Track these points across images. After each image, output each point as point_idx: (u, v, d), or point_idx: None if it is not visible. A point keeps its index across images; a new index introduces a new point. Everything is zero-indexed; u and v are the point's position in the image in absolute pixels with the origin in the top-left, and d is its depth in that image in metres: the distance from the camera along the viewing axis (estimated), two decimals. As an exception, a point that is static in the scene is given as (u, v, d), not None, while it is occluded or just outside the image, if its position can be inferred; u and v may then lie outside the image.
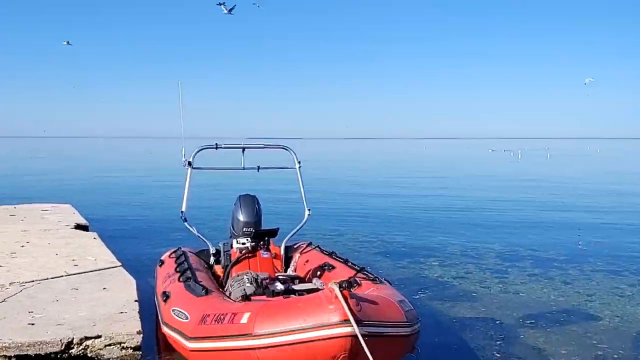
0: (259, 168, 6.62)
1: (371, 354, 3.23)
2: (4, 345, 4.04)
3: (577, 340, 4.98)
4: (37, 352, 4.11)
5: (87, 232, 8.75)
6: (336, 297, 3.36)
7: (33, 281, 5.64)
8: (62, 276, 5.88)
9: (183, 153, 6.07)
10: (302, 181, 6.41)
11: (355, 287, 4.09)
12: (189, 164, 6.05)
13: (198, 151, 6.13)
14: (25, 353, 4.09)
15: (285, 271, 5.83)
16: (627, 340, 4.98)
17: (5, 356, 4.04)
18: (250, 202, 5.73)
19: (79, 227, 9.14)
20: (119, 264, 6.49)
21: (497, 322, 5.47)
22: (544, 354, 4.67)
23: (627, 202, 16.24)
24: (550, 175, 27.57)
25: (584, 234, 10.69)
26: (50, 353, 4.15)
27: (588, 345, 4.86)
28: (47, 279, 5.75)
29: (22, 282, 5.57)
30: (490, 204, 15.25)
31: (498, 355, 4.61)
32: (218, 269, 5.57)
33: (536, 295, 6.47)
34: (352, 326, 3.26)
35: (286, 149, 6.55)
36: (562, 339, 5.00)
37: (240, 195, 5.80)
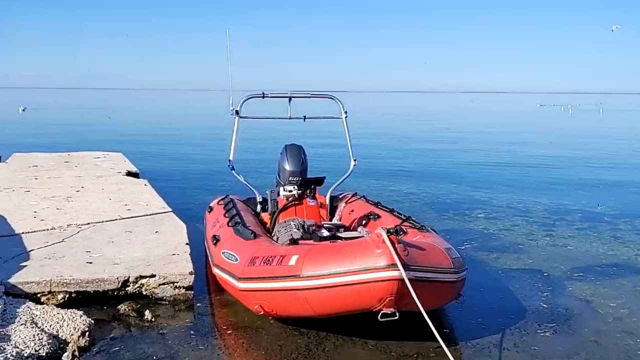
0: (305, 118, 6.60)
1: (417, 298, 3.27)
2: (65, 281, 4.26)
3: (626, 294, 4.89)
4: (95, 289, 4.33)
5: (138, 179, 9.02)
6: (383, 241, 3.39)
7: (89, 223, 5.87)
8: (116, 219, 6.10)
9: (230, 102, 6.11)
10: (348, 131, 6.38)
11: (402, 234, 4.11)
12: (237, 112, 6.09)
13: (245, 100, 6.15)
14: (84, 289, 4.31)
15: (331, 220, 5.88)
16: (679, 295, 4.87)
17: (66, 292, 4.27)
18: (297, 151, 5.76)
19: (130, 174, 9.42)
20: (170, 209, 6.68)
21: (544, 274, 5.41)
22: (591, 305, 4.61)
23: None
24: (603, 132, 26.65)
25: (637, 191, 10.37)
26: (108, 290, 4.36)
27: (638, 299, 4.77)
28: (102, 221, 5.98)
29: (79, 224, 5.81)
30: (539, 160, 14.91)
31: (545, 306, 4.58)
32: (265, 216, 5.66)
33: (585, 248, 6.36)
34: (399, 270, 3.29)
35: (333, 99, 6.51)
36: (611, 292, 4.93)
37: (286, 145, 5.84)
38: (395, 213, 5.27)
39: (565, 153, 16.66)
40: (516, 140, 21.36)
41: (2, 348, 3.33)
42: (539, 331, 4.08)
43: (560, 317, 4.35)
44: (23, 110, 40.00)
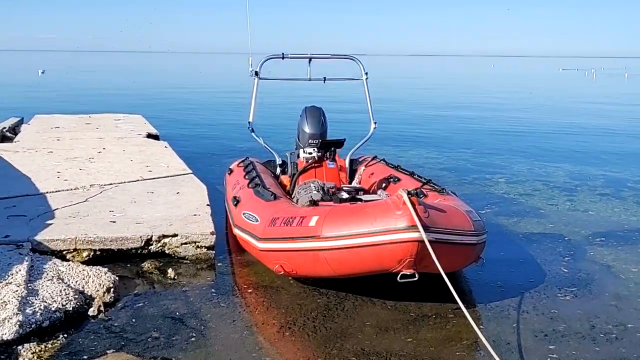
0: (325, 79, 6.53)
1: (436, 259, 3.27)
2: (90, 239, 4.35)
3: (649, 259, 4.86)
4: (119, 247, 4.41)
5: (158, 141, 9.08)
6: (404, 203, 3.39)
7: (111, 184, 5.95)
8: (138, 180, 6.17)
9: (250, 63, 6.06)
10: (368, 93, 6.31)
11: (422, 197, 4.10)
12: (256, 74, 6.05)
13: (265, 61, 6.10)
14: (108, 247, 4.40)
15: (350, 183, 5.87)
16: (702, 261, 4.82)
17: (90, 249, 4.36)
18: (316, 113, 5.73)
19: (150, 136, 9.49)
20: (190, 171, 6.73)
21: (565, 238, 5.38)
22: (612, 270, 4.59)
23: None
24: (629, 97, 26.06)
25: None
26: (131, 248, 4.45)
27: (660, 264, 4.74)
28: (124, 182, 6.06)
29: (102, 185, 5.89)
30: (562, 126, 14.68)
31: (565, 270, 4.57)
32: (284, 179, 5.67)
33: (607, 214, 6.29)
34: (419, 231, 3.29)
35: (353, 59, 6.43)
36: (633, 257, 4.88)
37: (306, 107, 5.80)
38: (416, 176, 5.24)
39: (588, 119, 16.35)
40: (538, 105, 21.01)
41: (30, 302, 3.43)
42: (558, 295, 4.08)
43: (581, 281, 4.34)
44: (42, 72, 40.25)
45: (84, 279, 3.86)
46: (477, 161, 9.46)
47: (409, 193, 3.41)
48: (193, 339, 3.35)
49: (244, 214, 4.39)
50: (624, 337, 3.47)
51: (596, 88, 34.56)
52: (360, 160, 6.19)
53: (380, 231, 3.40)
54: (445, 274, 3.28)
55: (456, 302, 3.18)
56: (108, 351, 3.20)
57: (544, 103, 21.91)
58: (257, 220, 4.15)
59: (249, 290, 4.11)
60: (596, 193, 7.27)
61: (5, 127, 9.87)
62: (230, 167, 6.02)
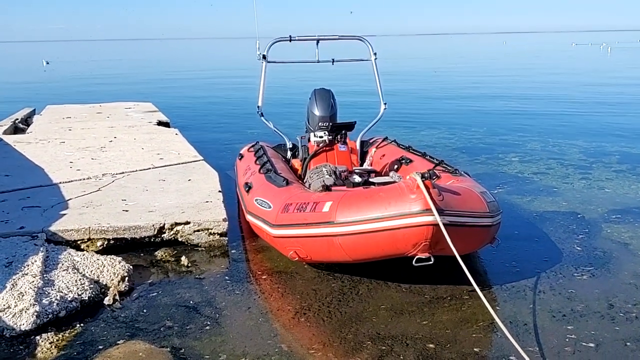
0: (333, 61, 6.47)
1: (451, 242, 3.24)
2: (103, 228, 4.36)
3: (667, 236, 4.79)
4: (133, 236, 4.42)
5: (169, 129, 9.07)
6: (418, 186, 3.35)
7: (123, 173, 5.96)
8: (150, 168, 6.17)
9: (257, 46, 6.01)
10: (378, 74, 6.23)
11: (435, 179, 4.05)
12: (264, 57, 5.99)
13: (272, 44, 6.04)
14: (122, 236, 4.41)
15: (361, 165, 5.83)
16: None
17: (104, 238, 4.37)
18: (326, 95, 5.67)
19: (160, 123, 9.48)
20: (201, 158, 6.73)
21: (580, 216, 5.32)
22: (629, 248, 4.53)
23: None
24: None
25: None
26: (144, 237, 4.45)
27: (678, 241, 4.67)
28: (136, 170, 6.06)
29: (114, 174, 5.90)
30: (575, 103, 14.49)
31: (581, 249, 4.52)
32: (295, 163, 5.64)
33: (623, 191, 6.20)
34: (434, 215, 3.26)
35: (361, 40, 6.35)
36: (650, 234, 4.83)
37: (315, 90, 5.74)
38: (428, 157, 5.19)
39: (604, 95, 16.10)
40: (551, 82, 20.73)
41: (46, 292, 3.45)
42: (575, 274, 4.03)
43: (598, 260, 4.29)
44: (47, 63, 40.31)
45: (98, 268, 3.87)
46: (489, 140, 9.37)
47: (422, 176, 3.37)
48: (207, 327, 3.36)
49: (256, 200, 4.37)
50: (644, 316, 3.43)
51: (613, 63, 34.00)
52: (371, 142, 6.15)
53: (395, 215, 3.36)
54: (460, 256, 3.25)
55: (471, 284, 3.15)
56: (123, 340, 3.21)
57: (557, 79, 21.62)
58: (270, 207, 4.13)
59: (263, 277, 4.11)
60: (612, 170, 7.17)
61: (17, 119, 9.91)
62: (241, 152, 6.00)
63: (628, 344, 3.13)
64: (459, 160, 7.62)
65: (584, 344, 3.14)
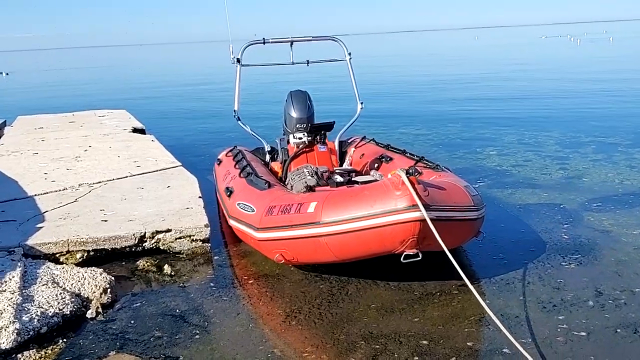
0: (308, 62, 6.42)
1: (439, 237, 3.22)
2: (82, 240, 4.25)
3: (646, 221, 4.84)
4: (113, 246, 4.32)
5: (145, 135, 8.94)
6: (403, 183, 3.33)
7: (100, 182, 5.83)
8: (127, 177, 6.05)
9: (231, 50, 5.93)
10: (353, 74, 6.21)
11: (418, 175, 4.04)
12: (238, 61, 5.92)
13: (246, 47, 5.97)
14: (102, 247, 4.30)
15: (341, 165, 5.80)
16: (700, 220, 4.81)
17: (84, 250, 4.26)
18: (302, 97, 5.62)
19: (136, 130, 9.34)
20: (179, 163, 6.63)
21: (561, 206, 5.36)
22: (611, 235, 4.57)
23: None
24: (618, 61, 26.13)
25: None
26: (125, 247, 4.36)
27: (658, 226, 4.73)
28: (113, 179, 5.94)
29: (90, 184, 5.77)
30: (550, 93, 14.67)
31: (566, 237, 4.54)
32: (275, 166, 5.58)
33: (600, 179, 6.28)
34: (420, 211, 3.24)
35: (335, 40, 6.32)
36: (631, 220, 4.87)
37: (291, 92, 5.69)
38: (408, 154, 5.18)
39: (576, 85, 16.33)
40: (525, 74, 20.97)
41: (26, 309, 3.34)
42: (562, 264, 4.05)
43: (583, 248, 4.32)
44: (6, 74, 39.39)
45: (79, 281, 3.77)
46: (466, 135, 9.42)
47: (407, 172, 3.35)
48: (197, 335, 3.28)
49: (238, 204, 4.30)
50: (632, 302, 3.45)
51: (584, 53, 34.54)
52: (349, 141, 6.12)
53: (381, 213, 3.33)
54: (448, 250, 3.22)
55: (460, 279, 3.14)
56: (110, 353, 3.12)
57: (529, 72, 21.88)
58: (253, 210, 4.07)
59: (250, 281, 4.04)
60: (588, 160, 7.26)
61: (-13, 131, 9.67)
62: (219, 157, 5.93)
63: (618, 330, 3.14)
64: (438, 156, 7.63)
65: (575, 333, 3.14)
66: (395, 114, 12.36)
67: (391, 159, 5.21)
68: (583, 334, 3.13)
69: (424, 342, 3.12)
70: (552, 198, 5.66)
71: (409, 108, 13.33)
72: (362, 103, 6.13)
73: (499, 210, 5.30)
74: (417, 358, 2.97)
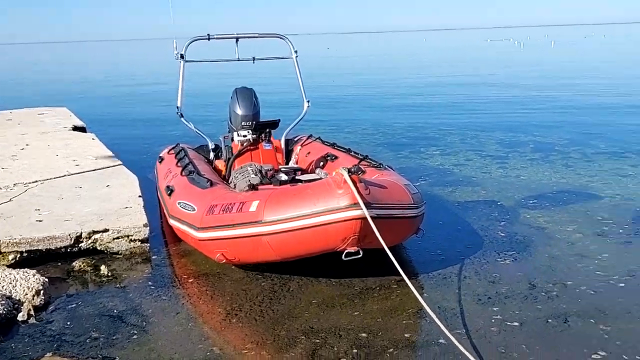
0: (254, 59, 6.37)
1: (379, 235, 3.26)
2: (15, 241, 4.10)
3: (581, 218, 5.03)
4: (48, 247, 4.18)
5: (85, 134, 8.68)
6: (345, 181, 3.35)
7: (36, 181, 5.63)
8: (65, 176, 5.87)
9: (175, 46, 5.84)
10: (299, 72, 6.22)
11: (361, 173, 4.08)
12: (182, 57, 5.83)
13: (190, 43, 5.88)
14: (35, 248, 4.16)
15: (287, 164, 5.80)
16: (629, 216, 5.04)
17: (16, 251, 4.11)
18: (248, 94, 5.59)
19: (76, 128, 9.06)
20: (119, 162, 6.47)
21: (499, 203, 5.52)
22: (547, 231, 4.74)
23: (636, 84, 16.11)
24: (562, 62, 27.08)
25: (588, 117, 10.67)
26: (60, 247, 4.23)
27: (592, 222, 4.92)
28: (50, 179, 5.75)
29: (26, 183, 5.57)
30: (493, 95, 15.07)
31: (502, 234, 4.68)
32: (219, 164, 5.53)
33: (537, 178, 6.50)
34: (362, 209, 3.27)
35: (282, 38, 6.31)
36: (566, 217, 5.06)
37: (236, 89, 5.64)
38: (352, 153, 5.22)
39: (519, 89, 16.77)
40: (471, 76, 21.48)
41: (-48, 313, 3.19)
42: (498, 259, 4.17)
43: (518, 244, 4.46)
44: None
45: (10, 283, 3.62)
46: (411, 135, 9.58)
47: (349, 171, 3.38)
48: (135, 336, 3.21)
49: (179, 203, 4.23)
50: (564, 294, 3.58)
51: (528, 55, 35.63)
52: (295, 140, 6.12)
53: (323, 211, 3.35)
54: (388, 247, 3.27)
55: (399, 274, 3.18)
56: (46, 354, 3.02)
57: (475, 74, 22.42)
58: (194, 209, 4.01)
59: (190, 280, 3.98)
60: (526, 159, 7.50)
61: None
62: (161, 155, 5.82)
63: (549, 320, 3.26)
64: (383, 156, 7.73)
65: (508, 323, 3.24)
66: (342, 113, 12.43)
67: (336, 157, 5.24)
68: (516, 324, 3.24)
69: (363, 334, 3.16)
70: (491, 196, 5.82)
71: (357, 107, 13.44)
72: (308, 101, 6.15)
73: (439, 208, 5.42)
74: (355, 350, 3.01)
